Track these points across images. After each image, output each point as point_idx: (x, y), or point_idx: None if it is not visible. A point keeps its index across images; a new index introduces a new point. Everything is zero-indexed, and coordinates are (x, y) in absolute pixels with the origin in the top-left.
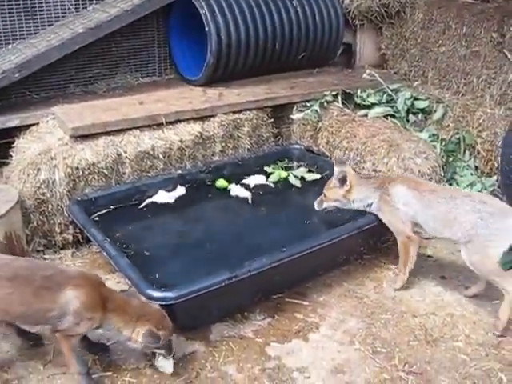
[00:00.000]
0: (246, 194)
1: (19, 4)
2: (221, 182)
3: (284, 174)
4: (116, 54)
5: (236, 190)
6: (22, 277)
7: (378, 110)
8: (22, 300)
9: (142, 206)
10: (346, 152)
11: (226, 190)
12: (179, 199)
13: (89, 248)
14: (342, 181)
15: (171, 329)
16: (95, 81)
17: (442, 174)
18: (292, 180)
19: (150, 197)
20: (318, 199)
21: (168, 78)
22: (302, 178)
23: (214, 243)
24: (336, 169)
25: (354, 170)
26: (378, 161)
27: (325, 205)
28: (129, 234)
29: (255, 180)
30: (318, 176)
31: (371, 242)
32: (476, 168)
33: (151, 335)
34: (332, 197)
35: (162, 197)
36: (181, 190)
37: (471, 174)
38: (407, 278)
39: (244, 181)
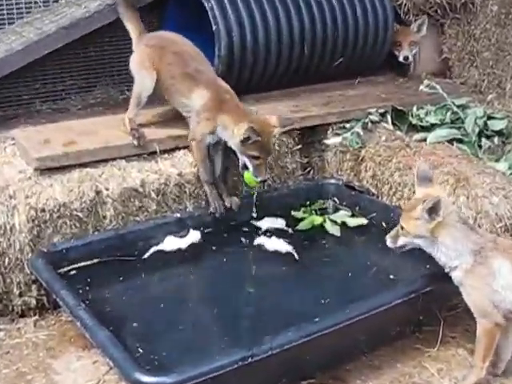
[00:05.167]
0: (287, 247)
1: None
2: None
3: (319, 219)
4: (96, 60)
5: (273, 243)
6: None
7: (440, 133)
8: None
9: (146, 255)
10: (399, 188)
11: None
12: (191, 248)
13: (57, 316)
14: (432, 211)
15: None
16: (68, 95)
17: None
18: (328, 227)
19: (156, 244)
20: (393, 233)
21: None
22: (343, 224)
23: (229, 310)
24: (419, 189)
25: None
26: None
27: (401, 241)
28: (111, 296)
29: (270, 223)
30: (364, 221)
31: (432, 309)
32: None
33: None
34: (413, 231)
35: (171, 244)
36: (195, 236)
37: None
38: (484, 374)
39: (256, 223)
